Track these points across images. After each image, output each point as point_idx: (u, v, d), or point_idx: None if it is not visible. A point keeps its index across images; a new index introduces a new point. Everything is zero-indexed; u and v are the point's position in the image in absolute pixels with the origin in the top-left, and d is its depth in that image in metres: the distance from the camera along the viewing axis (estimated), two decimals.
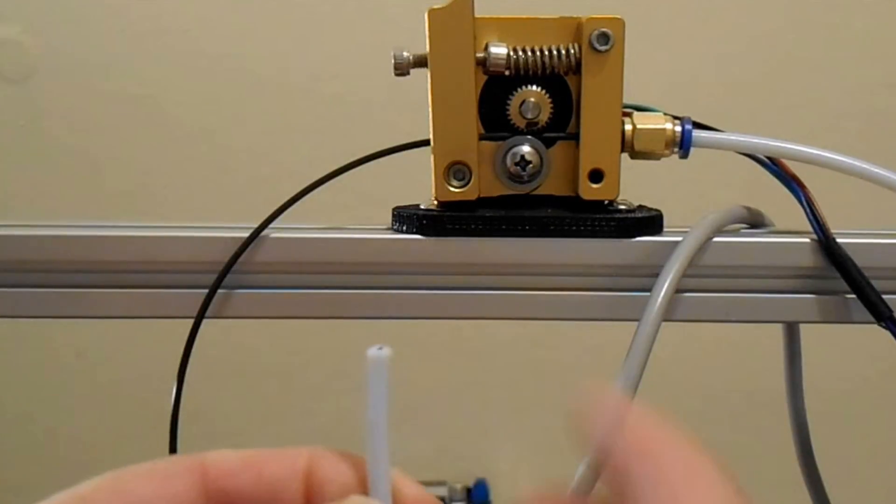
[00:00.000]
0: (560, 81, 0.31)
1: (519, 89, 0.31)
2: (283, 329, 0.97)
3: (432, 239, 0.32)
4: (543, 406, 1.02)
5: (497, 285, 0.33)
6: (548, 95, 0.31)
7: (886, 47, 0.92)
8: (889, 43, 0.92)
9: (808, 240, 0.32)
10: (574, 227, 0.32)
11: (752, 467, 1.00)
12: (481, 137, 0.32)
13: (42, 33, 0.93)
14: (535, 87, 0.31)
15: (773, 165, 0.33)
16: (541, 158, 0.32)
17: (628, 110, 0.32)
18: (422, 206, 0.33)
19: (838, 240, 0.32)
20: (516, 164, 0.32)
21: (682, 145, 0.32)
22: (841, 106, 0.93)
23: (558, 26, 0.31)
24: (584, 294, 0.33)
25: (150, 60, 0.93)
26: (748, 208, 0.35)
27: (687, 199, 0.76)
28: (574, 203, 0.32)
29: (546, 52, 0.31)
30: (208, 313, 0.32)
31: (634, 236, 0.32)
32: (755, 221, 0.35)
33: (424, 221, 0.32)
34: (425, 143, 0.32)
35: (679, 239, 0.32)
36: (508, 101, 0.31)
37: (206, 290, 0.32)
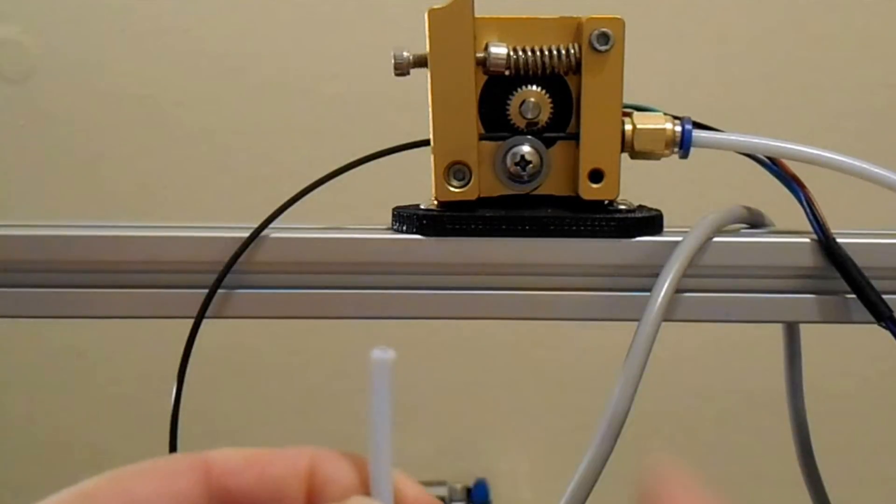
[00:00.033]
0: (560, 81, 0.31)
1: (519, 89, 0.31)
2: (283, 329, 0.97)
3: (432, 239, 0.32)
4: (543, 406, 1.02)
5: (497, 285, 0.33)
6: (548, 95, 0.31)
7: (886, 47, 0.92)
8: (889, 43, 0.92)
9: (808, 240, 0.32)
10: (574, 227, 0.32)
11: (752, 467, 1.00)
12: (481, 137, 0.32)
13: (42, 33, 0.93)
14: (535, 87, 0.31)
15: (773, 165, 0.33)
16: (541, 158, 0.32)
17: (628, 110, 0.32)
18: (422, 206, 0.33)
19: (838, 240, 0.32)
20: (516, 164, 0.32)
21: (682, 145, 0.32)
22: (841, 106, 0.93)
23: (558, 26, 0.31)
24: (584, 294, 0.33)
25: (150, 60, 0.93)
26: (748, 208, 0.35)
27: (687, 199, 0.76)
28: (574, 203, 0.32)
29: (546, 52, 0.31)
30: (208, 313, 0.32)
31: (634, 236, 0.32)
32: (755, 221, 0.35)
33: (424, 221, 0.32)
34: (425, 143, 0.32)
35: (679, 239, 0.32)
36: (508, 101, 0.31)
37: (206, 290, 0.32)
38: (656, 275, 0.31)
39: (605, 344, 0.95)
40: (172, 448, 0.33)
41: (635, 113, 0.32)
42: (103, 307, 0.33)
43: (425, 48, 0.31)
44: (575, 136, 0.32)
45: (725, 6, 0.92)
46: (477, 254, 0.32)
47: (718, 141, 0.32)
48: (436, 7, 0.30)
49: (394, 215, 0.33)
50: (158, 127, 0.94)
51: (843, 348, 0.96)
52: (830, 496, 0.39)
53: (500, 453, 1.04)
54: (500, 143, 0.32)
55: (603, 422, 0.29)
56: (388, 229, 0.33)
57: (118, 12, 0.92)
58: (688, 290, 0.33)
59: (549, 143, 0.32)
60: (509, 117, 0.32)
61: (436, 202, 0.32)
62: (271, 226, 0.32)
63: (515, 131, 0.32)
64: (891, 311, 0.31)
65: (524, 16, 0.31)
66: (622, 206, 0.33)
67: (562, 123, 0.32)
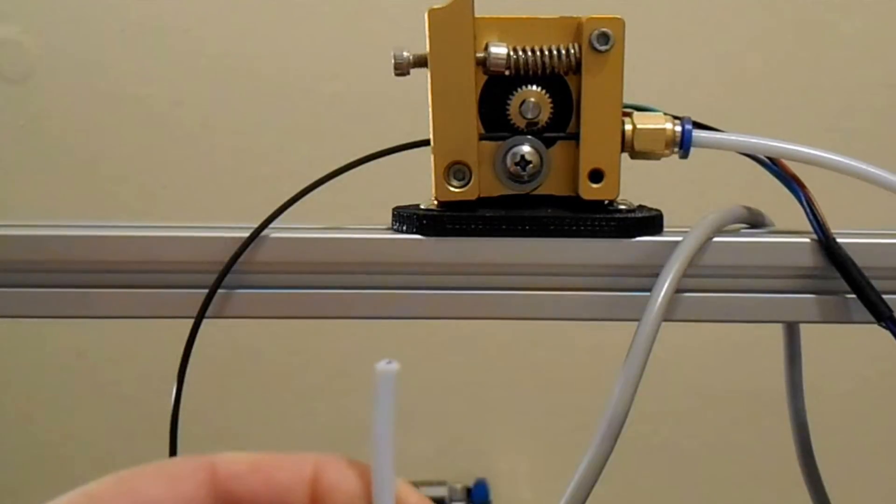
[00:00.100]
0: (560, 81, 0.31)
1: (519, 89, 0.31)
2: (283, 329, 0.97)
3: (432, 239, 0.32)
4: (543, 406, 1.02)
5: (497, 285, 0.33)
6: (548, 95, 0.31)
7: (886, 47, 0.92)
8: (889, 43, 0.92)
9: (808, 240, 0.32)
10: (574, 227, 0.32)
11: (752, 467, 1.00)
12: (481, 137, 0.32)
13: (42, 33, 0.93)
14: (535, 87, 0.31)
15: (773, 165, 0.33)
16: (541, 158, 0.32)
17: (628, 110, 0.32)
18: (422, 206, 0.33)
19: (838, 240, 0.32)
20: (516, 164, 0.32)
21: (682, 145, 0.32)
22: (841, 106, 0.93)
23: (558, 26, 0.31)
24: (584, 294, 0.33)
25: (149, 60, 0.93)
26: (748, 208, 0.35)
27: (687, 199, 0.76)
28: (574, 203, 0.32)
29: (546, 52, 0.31)
30: (208, 313, 0.32)
31: (634, 236, 0.32)
32: (755, 221, 0.35)
33: (424, 221, 0.32)
34: (425, 143, 0.32)
35: (679, 239, 0.32)
36: (508, 101, 0.31)
37: (206, 290, 0.32)
38: (656, 275, 0.31)
39: (605, 344, 0.95)
40: (172, 448, 0.33)
41: (635, 113, 0.32)
42: (103, 307, 0.33)
43: (425, 48, 0.31)
44: (575, 136, 0.32)
45: (725, 6, 0.92)
46: (477, 254, 0.32)
47: (718, 141, 0.32)
48: (436, 7, 0.30)
49: (394, 215, 0.33)
50: (158, 127, 0.94)
51: (843, 348, 0.96)
52: (830, 496, 0.39)
53: (500, 453, 1.04)
54: (500, 143, 0.32)
55: (603, 422, 0.29)
56: (388, 229, 0.33)
57: (118, 12, 0.92)
58: (688, 290, 0.33)
59: (549, 143, 0.32)
60: (509, 117, 0.32)
61: (436, 202, 0.32)
62: (271, 226, 0.32)
63: (515, 131, 0.32)
64: (891, 311, 0.31)
65: (524, 16, 0.31)
66: (622, 206, 0.33)
67: (562, 123, 0.32)
